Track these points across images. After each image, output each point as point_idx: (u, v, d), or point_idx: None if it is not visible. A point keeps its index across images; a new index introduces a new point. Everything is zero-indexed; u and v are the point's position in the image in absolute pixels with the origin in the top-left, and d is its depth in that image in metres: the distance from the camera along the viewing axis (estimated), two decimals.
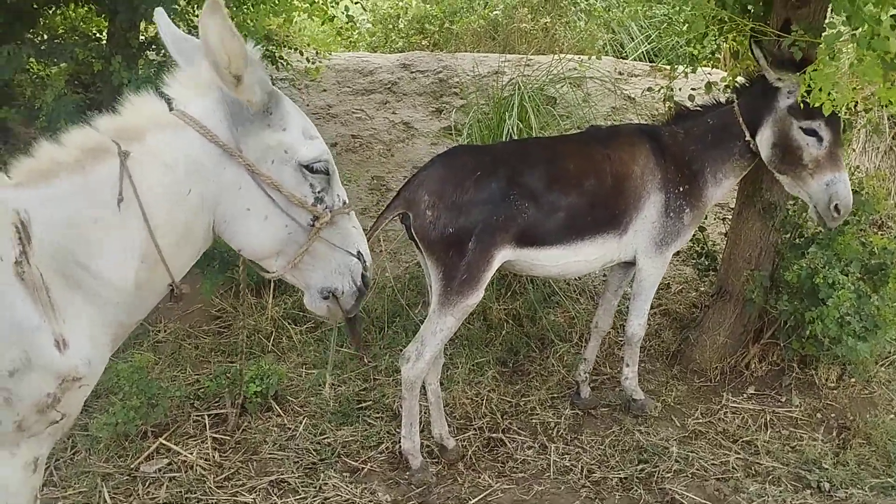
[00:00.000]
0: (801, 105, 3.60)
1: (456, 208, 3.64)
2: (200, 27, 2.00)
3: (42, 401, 2.01)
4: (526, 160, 3.83)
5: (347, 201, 2.39)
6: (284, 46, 6.78)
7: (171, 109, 2.15)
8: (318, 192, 2.27)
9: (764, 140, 3.98)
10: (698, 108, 4.22)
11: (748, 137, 4.01)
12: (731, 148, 4.07)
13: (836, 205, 3.83)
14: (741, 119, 4.01)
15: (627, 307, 4.37)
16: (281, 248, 2.27)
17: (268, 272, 2.34)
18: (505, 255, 3.76)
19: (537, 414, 4.43)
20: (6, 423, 1.99)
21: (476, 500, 3.70)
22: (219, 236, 2.25)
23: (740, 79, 4.51)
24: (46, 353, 1.97)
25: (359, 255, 2.40)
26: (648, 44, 8.75)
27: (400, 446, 3.94)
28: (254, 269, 2.42)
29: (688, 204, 4.03)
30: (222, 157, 2.12)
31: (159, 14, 2.29)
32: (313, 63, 6.88)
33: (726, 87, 4.89)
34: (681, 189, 4.02)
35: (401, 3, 10.34)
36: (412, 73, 8.25)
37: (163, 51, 5.01)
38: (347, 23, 6.85)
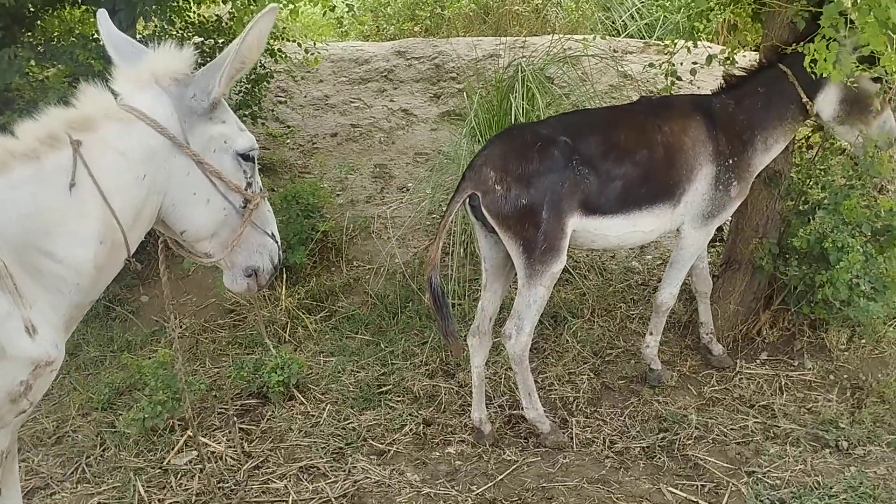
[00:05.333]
0: (812, 74, 3.66)
1: (525, 179, 3.69)
2: (252, 24, 2.27)
3: (15, 389, 2.06)
4: (581, 130, 3.91)
5: (262, 188, 2.63)
6: (282, 38, 6.77)
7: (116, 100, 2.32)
8: (249, 178, 2.51)
9: (829, 98, 4.07)
10: (744, 76, 4.22)
11: (805, 98, 4.06)
12: (785, 112, 4.12)
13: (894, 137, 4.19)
14: (797, 81, 4.04)
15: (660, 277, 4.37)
16: (216, 230, 2.47)
17: (200, 256, 2.54)
18: (574, 223, 3.81)
19: (555, 389, 4.50)
20: None
21: (504, 475, 3.76)
22: (162, 219, 2.42)
23: (771, 44, 4.47)
24: (19, 340, 2.02)
25: (272, 236, 2.64)
26: (641, 20, 8.77)
27: (526, 417, 4.09)
28: (186, 256, 2.63)
29: (736, 177, 4.08)
30: (172, 148, 2.32)
31: (101, 15, 2.47)
32: (311, 53, 6.88)
33: (726, 59, 4.90)
34: (730, 161, 4.06)
35: None
36: (407, 59, 8.26)
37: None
38: (349, 12, 6.83)
